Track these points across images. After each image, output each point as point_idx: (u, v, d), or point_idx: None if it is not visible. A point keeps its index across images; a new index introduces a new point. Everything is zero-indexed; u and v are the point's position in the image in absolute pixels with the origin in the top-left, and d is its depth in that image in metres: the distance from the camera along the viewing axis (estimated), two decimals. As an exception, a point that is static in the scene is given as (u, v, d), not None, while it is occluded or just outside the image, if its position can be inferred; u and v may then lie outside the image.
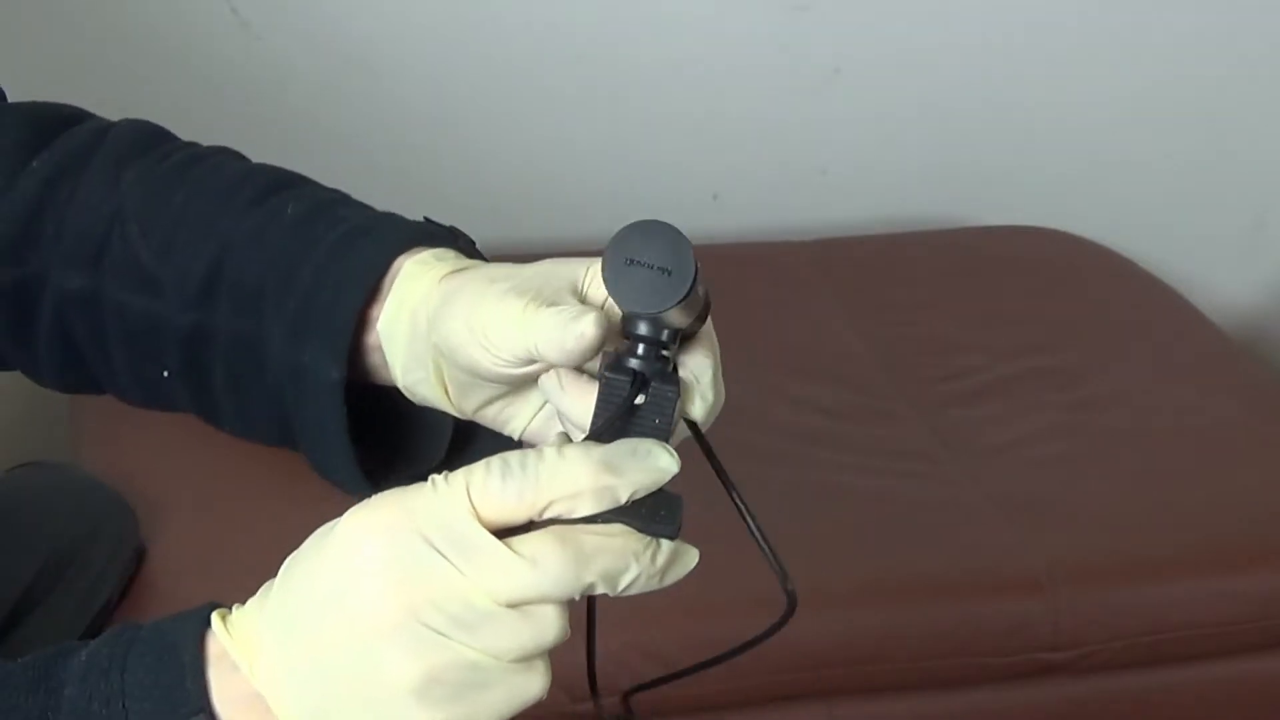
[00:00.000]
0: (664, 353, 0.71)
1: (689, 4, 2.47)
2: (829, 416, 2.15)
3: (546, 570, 0.64)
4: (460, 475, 0.65)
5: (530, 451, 0.66)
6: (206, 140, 0.94)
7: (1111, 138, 2.67)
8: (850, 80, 2.55)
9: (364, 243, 0.81)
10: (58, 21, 2.26)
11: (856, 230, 2.60)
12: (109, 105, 2.52)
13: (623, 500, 0.66)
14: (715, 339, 0.76)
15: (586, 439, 0.69)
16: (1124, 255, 2.61)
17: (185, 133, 0.95)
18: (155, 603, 1.83)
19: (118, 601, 1.83)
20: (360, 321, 0.80)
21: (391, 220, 0.83)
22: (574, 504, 0.65)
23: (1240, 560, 1.99)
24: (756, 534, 0.72)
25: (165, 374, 0.87)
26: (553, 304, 0.72)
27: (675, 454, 0.68)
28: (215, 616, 0.68)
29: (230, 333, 0.84)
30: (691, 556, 0.69)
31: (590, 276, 0.75)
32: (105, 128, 0.93)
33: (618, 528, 0.65)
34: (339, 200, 0.86)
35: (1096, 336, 2.36)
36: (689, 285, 0.69)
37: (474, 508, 0.64)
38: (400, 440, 0.86)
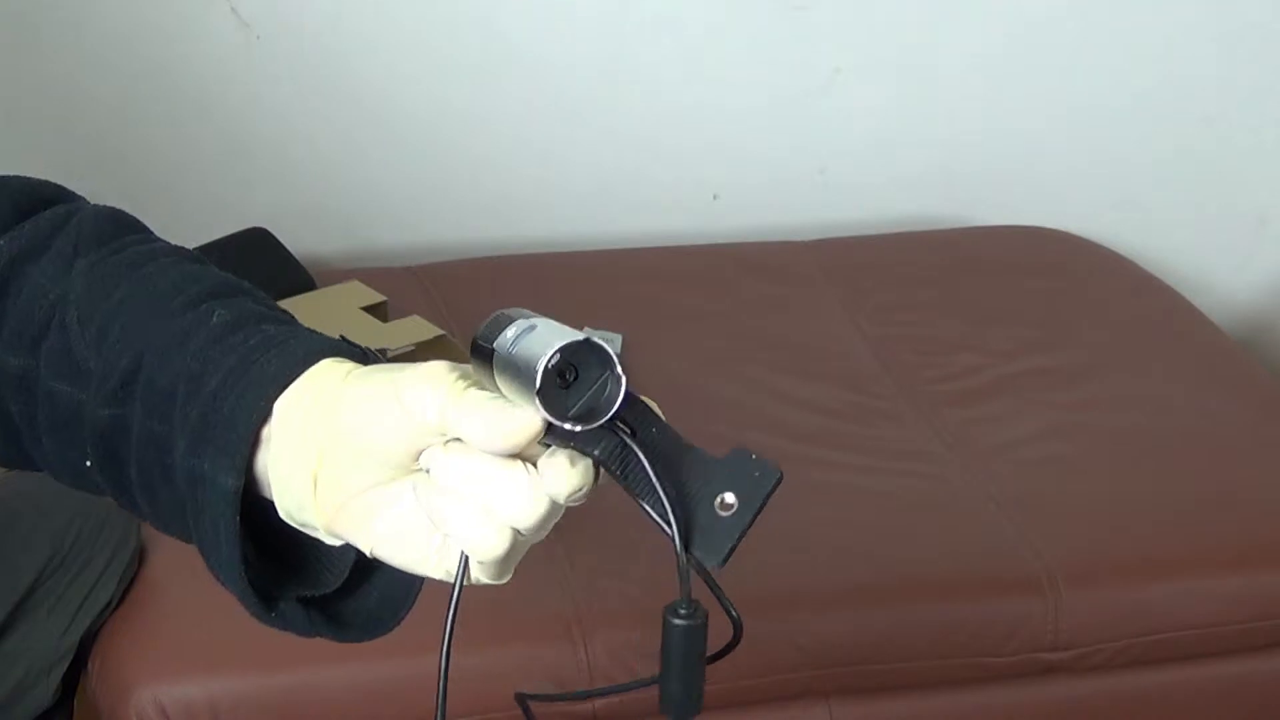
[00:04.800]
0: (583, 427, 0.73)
1: (689, 4, 2.47)
2: (829, 416, 2.15)
3: None
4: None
5: None
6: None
7: (1111, 138, 2.67)
8: (850, 80, 2.55)
9: (273, 354, 0.81)
10: (59, 23, 2.26)
11: (856, 230, 2.60)
12: (109, 106, 2.52)
13: None
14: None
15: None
16: (1124, 255, 2.61)
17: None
18: (155, 603, 1.83)
19: (118, 601, 1.83)
20: (258, 436, 0.80)
21: (307, 335, 0.84)
22: None
23: (1240, 560, 1.99)
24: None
25: (87, 464, 0.87)
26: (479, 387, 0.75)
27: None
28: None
29: (141, 432, 0.84)
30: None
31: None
32: (73, 211, 0.92)
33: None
34: (268, 315, 0.85)
35: (1096, 336, 2.36)
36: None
37: None
38: (301, 562, 0.85)
